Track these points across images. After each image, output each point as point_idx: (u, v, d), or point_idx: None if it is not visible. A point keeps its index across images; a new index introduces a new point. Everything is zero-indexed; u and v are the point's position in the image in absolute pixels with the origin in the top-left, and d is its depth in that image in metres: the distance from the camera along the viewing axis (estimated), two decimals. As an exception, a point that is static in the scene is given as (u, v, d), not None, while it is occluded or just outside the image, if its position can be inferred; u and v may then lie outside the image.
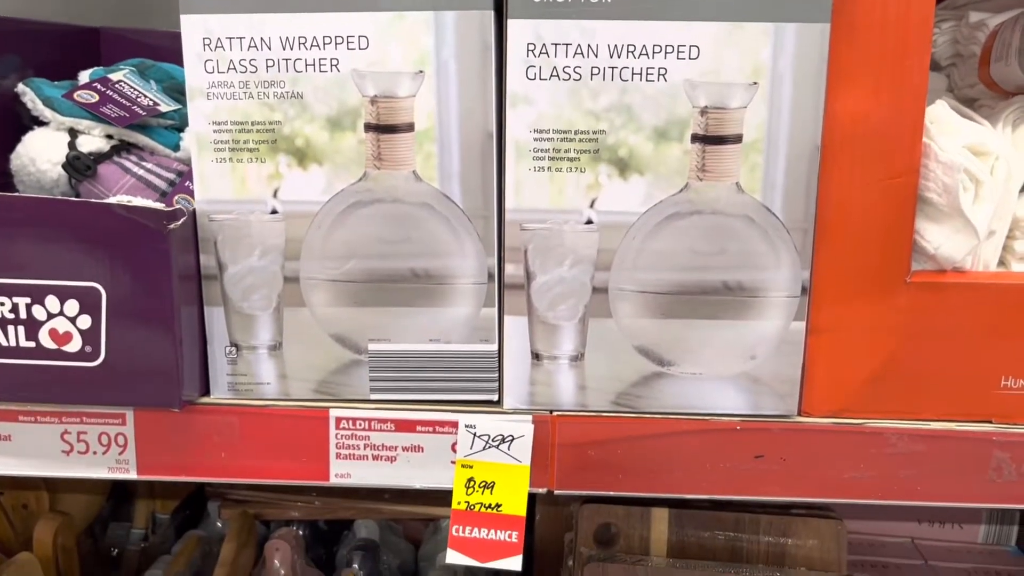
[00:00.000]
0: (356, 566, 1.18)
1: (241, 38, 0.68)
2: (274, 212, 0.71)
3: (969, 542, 1.20)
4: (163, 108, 0.85)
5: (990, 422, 0.72)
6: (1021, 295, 0.69)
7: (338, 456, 0.74)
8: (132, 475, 0.74)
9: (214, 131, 0.69)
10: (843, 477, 0.73)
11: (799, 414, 0.73)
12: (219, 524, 1.31)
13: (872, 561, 1.13)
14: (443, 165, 0.69)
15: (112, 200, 0.73)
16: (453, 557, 0.73)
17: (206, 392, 0.75)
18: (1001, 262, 0.73)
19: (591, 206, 0.69)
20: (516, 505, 0.73)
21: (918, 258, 0.70)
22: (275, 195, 0.70)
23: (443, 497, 0.73)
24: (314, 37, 0.67)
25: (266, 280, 0.72)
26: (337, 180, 0.70)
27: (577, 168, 0.68)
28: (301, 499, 1.31)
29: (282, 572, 1.19)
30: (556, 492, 0.74)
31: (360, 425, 0.73)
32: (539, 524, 1.05)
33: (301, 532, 1.28)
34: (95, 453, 0.74)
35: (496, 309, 0.72)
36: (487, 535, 0.73)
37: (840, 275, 0.70)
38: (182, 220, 0.68)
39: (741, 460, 0.73)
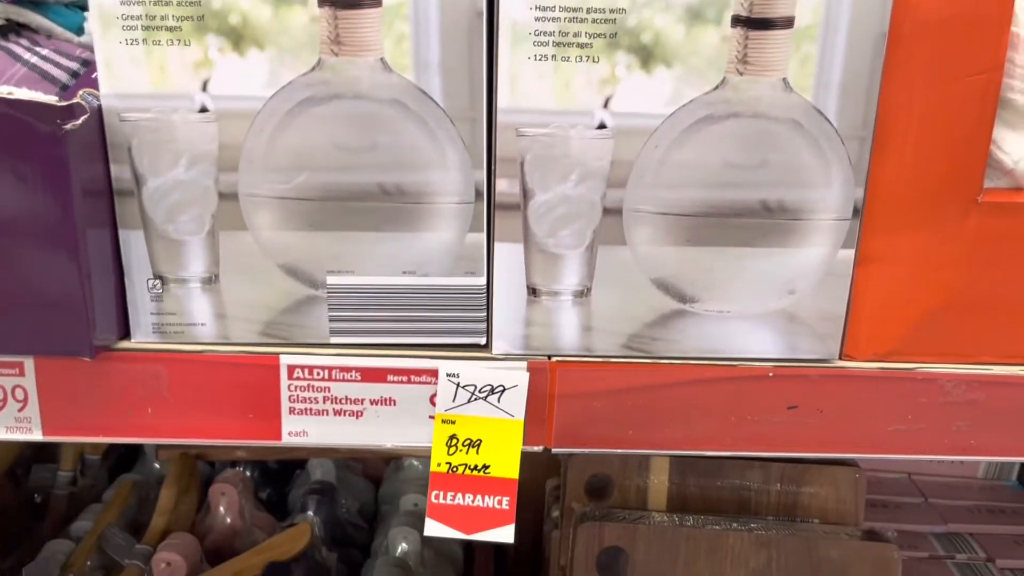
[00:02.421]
0: (311, 512, 1.07)
1: None
2: (204, 110, 0.56)
3: (968, 477, 1.13)
4: (61, -21, 0.68)
5: (1055, 365, 0.62)
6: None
7: (292, 412, 0.61)
8: (36, 436, 0.60)
9: (121, 2, 0.53)
10: (887, 430, 0.62)
11: (840, 358, 0.62)
12: (157, 466, 1.18)
13: (871, 500, 1.05)
14: (419, 51, 0.55)
15: (-7, 93, 0.57)
16: (433, 528, 0.61)
17: (126, 335, 0.61)
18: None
19: (605, 106, 0.56)
20: (507, 467, 0.61)
21: (991, 174, 0.59)
22: (204, 88, 0.55)
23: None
24: None
25: (196, 197, 0.57)
26: (283, 69, 0.55)
27: (589, 57, 0.54)
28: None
29: (228, 519, 1.08)
30: (554, 451, 0.62)
31: (318, 374, 0.60)
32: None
33: (249, 474, 1.16)
34: (-12, 410, 0.60)
35: (485, 234, 0.59)
36: (473, 502, 0.61)
37: (900, 193, 0.58)
38: (83, 119, 0.53)
39: (772, 412, 0.62)
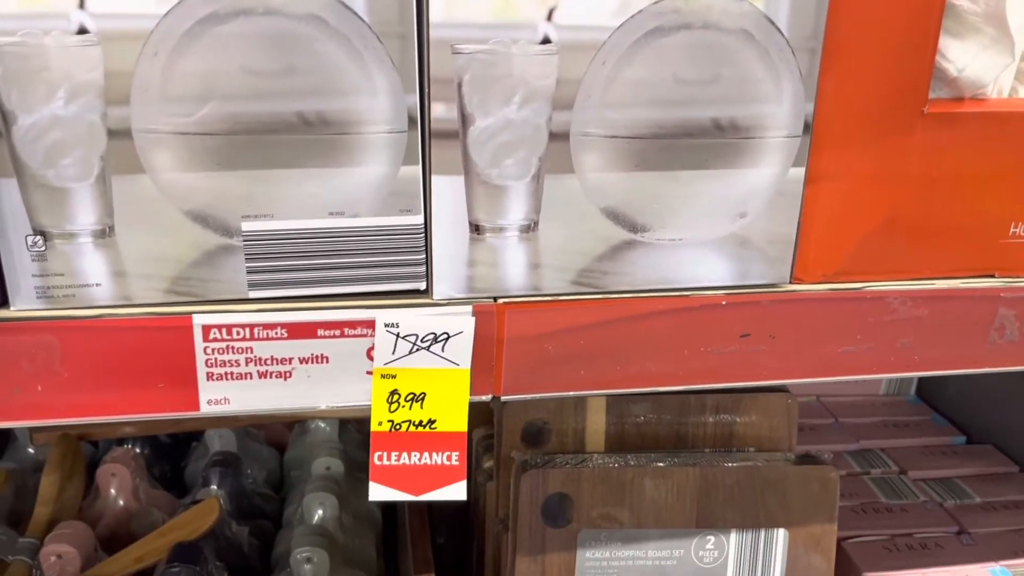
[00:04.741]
0: (215, 486, 0.99)
1: None
2: (83, 31, 0.47)
3: (872, 395, 1.17)
4: None
5: (993, 276, 0.62)
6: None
7: (210, 377, 0.54)
8: (-101, 428, 0.51)
9: (-31, -102, 0.44)
10: (838, 352, 0.61)
11: (791, 281, 0.60)
12: (31, 451, 1.07)
13: (785, 424, 1.07)
14: (338, -41, 0.48)
15: None
16: (378, 493, 0.56)
17: (4, 303, 0.52)
18: (1010, 92, 0.62)
19: (548, 18, 0.50)
20: (455, 420, 0.57)
21: (935, 84, 0.58)
22: (82, 5, 0.47)
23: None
24: None
25: (79, 135, 0.49)
26: (180, -21, 0.47)
27: (530, -37, 0.49)
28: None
29: (121, 501, 0.99)
30: (504, 399, 0.58)
31: (238, 334, 0.53)
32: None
33: (139, 451, 1.06)
34: None
35: (420, 167, 0.53)
36: (420, 460, 0.57)
37: (847, 107, 0.56)
38: (-69, 43, 0.43)
39: (726, 342, 0.59)
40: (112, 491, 0.99)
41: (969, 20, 0.55)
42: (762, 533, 0.74)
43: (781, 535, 0.74)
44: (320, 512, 0.95)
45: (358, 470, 1.03)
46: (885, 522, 0.89)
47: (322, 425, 1.12)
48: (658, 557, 0.72)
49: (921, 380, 1.17)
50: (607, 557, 0.72)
